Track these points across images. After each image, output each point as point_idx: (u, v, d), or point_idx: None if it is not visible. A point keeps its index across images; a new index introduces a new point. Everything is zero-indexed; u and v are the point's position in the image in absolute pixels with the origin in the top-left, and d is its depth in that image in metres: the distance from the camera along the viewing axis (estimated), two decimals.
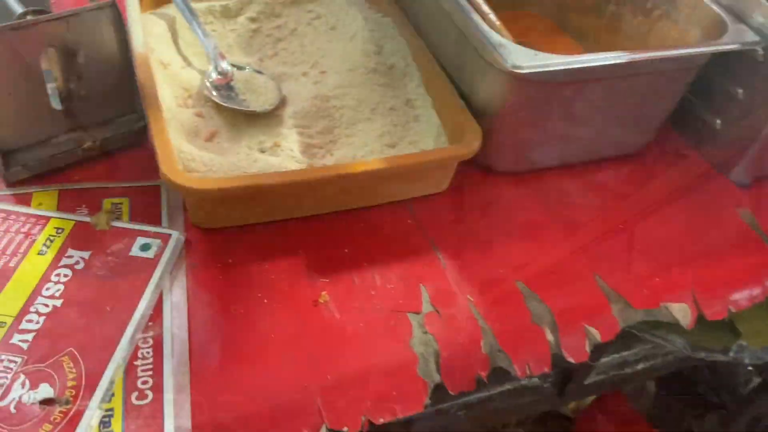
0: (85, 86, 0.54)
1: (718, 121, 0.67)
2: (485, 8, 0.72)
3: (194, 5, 0.71)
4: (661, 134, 0.69)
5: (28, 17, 0.50)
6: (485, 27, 0.55)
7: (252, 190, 0.50)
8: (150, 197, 0.56)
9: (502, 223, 0.61)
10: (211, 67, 0.65)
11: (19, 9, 0.51)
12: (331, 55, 0.70)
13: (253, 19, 0.72)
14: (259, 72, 0.67)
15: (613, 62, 0.54)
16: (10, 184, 0.54)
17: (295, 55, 0.71)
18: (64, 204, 0.54)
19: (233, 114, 0.62)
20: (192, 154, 0.55)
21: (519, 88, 0.55)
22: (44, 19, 0.49)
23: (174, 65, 0.65)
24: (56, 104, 0.53)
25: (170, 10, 0.70)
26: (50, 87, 0.52)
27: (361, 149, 0.61)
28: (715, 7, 0.63)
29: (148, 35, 0.65)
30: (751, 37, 0.59)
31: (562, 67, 0.52)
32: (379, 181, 0.56)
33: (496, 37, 0.54)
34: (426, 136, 0.62)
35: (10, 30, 0.47)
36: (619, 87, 0.59)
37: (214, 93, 0.63)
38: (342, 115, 0.64)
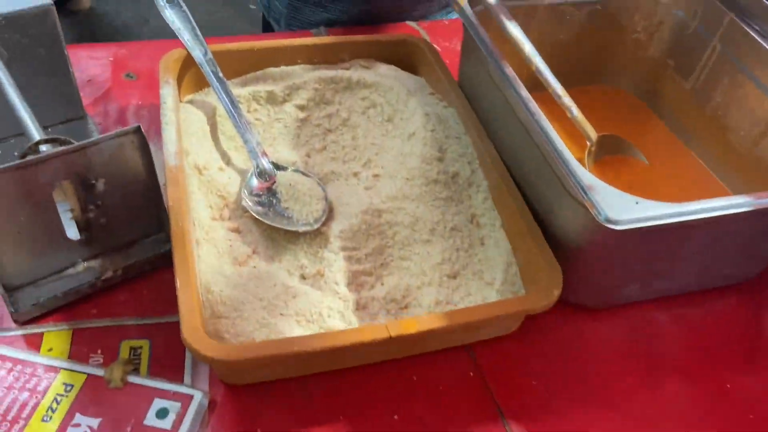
0: (106, 213, 0.48)
1: None
2: (567, 101, 0.62)
3: (237, 91, 0.64)
4: None
5: (43, 147, 0.44)
6: (570, 158, 0.46)
7: (284, 358, 0.43)
8: (174, 336, 0.49)
9: (581, 377, 0.51)
10: (251, 170, 0.58)
11: (36, 136, 0.45)
12: (387, 153, 0.62)
13: (301, 107, 0.65)
14: (304, 174, 0.59)
15: (735, 212, 0.43)
16: (20, 324, 0.48)
17: (346, 150, 0.63)
18: (78, 348, 0.47)
19: (274, 228, 0.55)
20: (222, 296, 0.48)
21: (611, 236, 0.46)
22: (59, 153, 0.42)
23: (211, 167, 0.58)
24: (73, 235, 0.47)
25: (212, 96, 0.63)
26: (65, 219, 0.45)
27: (417, 278, 0.53)
28: None
29: (184, 133, 0.58)
30: None
31: (669, 221, 0.42)
32: (435, 336, 0.48)
33: (584, 175, 0.44)
34: (493, 265, 0.53)
35: (16, 170, 0.41)
36: (733, 227, 0.48)
37: (253, 206, 0.55)
38: (396, 234, 0.55)
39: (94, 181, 0.45)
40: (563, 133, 0.68)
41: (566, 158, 0.45)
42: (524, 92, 0.51)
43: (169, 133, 0.55)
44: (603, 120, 0.71)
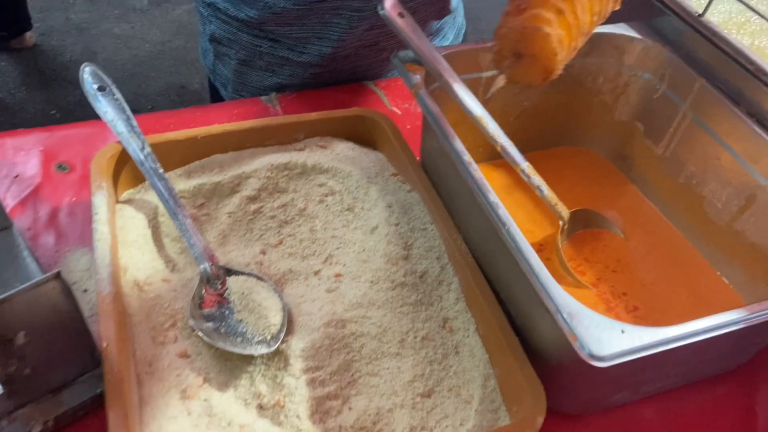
0: (29, 363, 0.42)
1: None
2: (536, 180, 0.58)
3: (181, 185, 0.59)
4: None
5: None
6: (550, 280, 0.42)
7: None
8: None
9: None
10: (197, 280, 0.52)
11: None
12: (348, 248, 0.57)
13: (253, 198, 0.59)
14: (259, 278, 0.54)
15: (725, 331, 0.40)
16: None
17: (304, 244, 0.58)
18: None
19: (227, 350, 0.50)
20: None
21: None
22: None
23: (154, 281, 0.52)
24: None
25: (152, 193, 0.58)
26: None
27: (388, 399, 0.48)
28: None
29: (122, 244, 0.53)
30: None
31: (657, 350, 0.38)
32: None
33: (566, 301, 0.40)
34: (470, 379, 0.49)
35: None
36: (724, 337, 0.45)
37: (202, 324, 0.50)
38: (362, 346, 0.50)
39: (11, 338, 0.39)
40: (535, 206, 0.65)
41: (545, 281, 0.41)
42: (492, 196, 0.47)
43: (101, 252, 0.49)
44: (575, 184, 0.68)
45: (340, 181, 0.60)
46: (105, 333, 0.44)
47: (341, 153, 0.62)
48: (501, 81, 0.58)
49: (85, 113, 0.61)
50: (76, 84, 2.18)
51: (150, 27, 2.58)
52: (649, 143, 0.66)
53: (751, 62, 0.56)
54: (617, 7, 0.55)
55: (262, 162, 0.61)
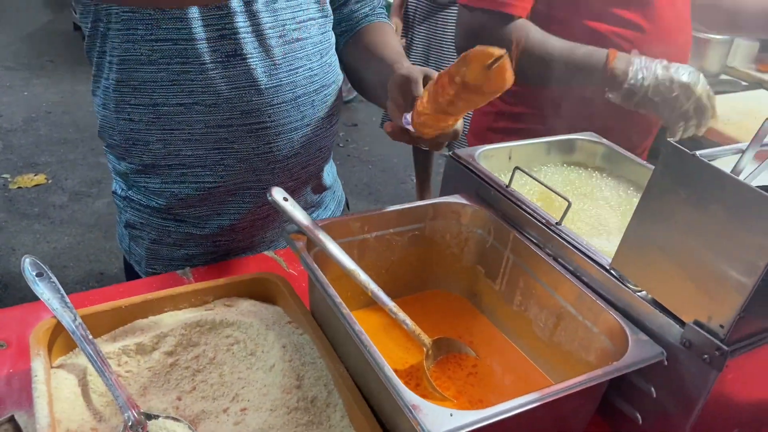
0: None
1: (638, 416, 0.68)
2: (401, 315, 0.74)
3: (107, 348, 0.70)
4: (591, 426, 0.70)
5: None
6: (398, 383, 0.56)
7: None
8: None
9: None
10: (122, 427, 0.62)
11: None
12: (252, 386, 0.69)
13: (170, 353, 0.71)
14: (175, 419, 0.64)
15: (526, 409, 0.55)
16: None
17: (214, 387, 0.69)
18: None
19: None
20: None
21: None
22: None
23: (84, 430, 0.61)
24: None
25: (82, 357, 0.69)
26: None
27: None
28: (613, 315, 0.67)
29: (56, 400, 0.62)
30: (651, 350, 0.62)
31: (478, 426, 0.53)
32: None
33: (410, 396, 0.54)
34: None
35: None
36: (540, 413, 0.60)
37: None
38: None
39: None
40: (407, 340, 0.80)
41: (395, 384, 0.55)
42: (357, 327, 0.62)
43: (40, 407, 0.59)
44: (439, 319, 0.84)
45: (244, 331, 0.74)
46: None
47: (245, 309, 0.77)
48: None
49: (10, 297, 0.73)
50: None
51: (69, 221, 2.71)
52: (489, 282, 0.85)
53: (543, 217, 0.78)
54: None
55: (178, 322, 0.74)
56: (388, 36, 0.99)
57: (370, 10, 1.04)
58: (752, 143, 0.62)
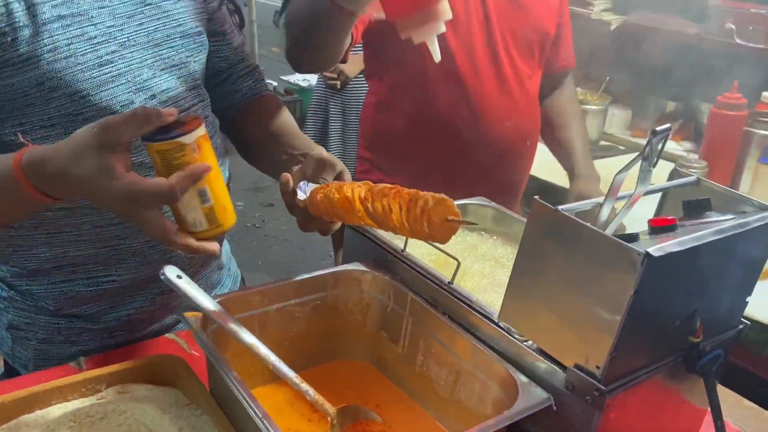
0: None
1: None
2: (303, 386, 0.74)
3: None
4: None
5: None
6: None
7: None
8: None
9: None
10: None
11: None
12: None
13: None
14: None
15: None
16: None
17: None
18: None
19: None
20: None
21: None
22: None
23: None
24: None
25: None
26: None
27: None
28: (504, 366, 0.70)
29: None
30: (538, 396, 0.65)
31: None
32: None
33: None
34: None
35: None
36: None
37: None
38: None
39: None
40: (313, 412, 0.79)
41: None
42: (255, 403, 0.62)
43: None
44: (345, 389, 0.85)
45: (137, 418, 0.71)
46: None
47: (139, 394, 0.74)
48: None
49: None
50: None
51: None
52: (392, 345, 0.86)
53: (436, 277, 0.81)
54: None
55: (67, 414, 0.70)
56: (283, 113, 1.02)
57: (253, 82, 1.04)
58: (608, 197, 0.68)
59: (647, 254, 0.57)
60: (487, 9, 1.24)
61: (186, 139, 0.67)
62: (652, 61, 1.95)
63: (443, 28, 0.66)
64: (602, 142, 2.00)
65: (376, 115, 1.36)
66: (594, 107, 1.94)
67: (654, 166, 0.65)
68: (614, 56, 1.97)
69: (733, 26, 1.73)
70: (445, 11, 0.64)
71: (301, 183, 0.81)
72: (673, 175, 0.84)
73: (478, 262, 0.97)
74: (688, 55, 1.86)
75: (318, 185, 0.79)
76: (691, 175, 0.81)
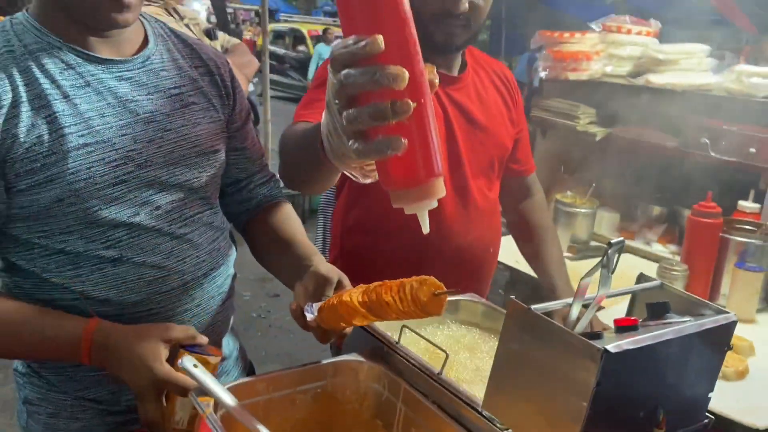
0: None
1: None
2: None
3: None
4: None
5: None
6: None
7: None
8: None
9: None
10: None
11: None
12: None
13: None
14: None
15: None
16: None
17: None
18: None
19: None
20: None
21: None
22: None
23: None
24: None
25: None
26: None
27: None
28: None
29: None
30: None
31: None
32: None
33: None
34: None
35: None
36: None
37: None
38: None
39: None
40: None
41: None
42: None
43: None
44: None
45: None
46: None
47: None
48: None
49: None
50: None
51: None
52: None
53: (427, 368, 0.89)
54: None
55: None
56: (293, 221, 1.10)
57: (269, 190, 1.12)
58: (576, 297, 0.78)
59: (605, 350, 0.66)
60: (453, 131, 1.27)
61: (212, 360, 0.86)
62: (636, 169, 2.10)
63: (435, 204, 0.63)
64: (592, 243, 2.11)
65: (346, 218, 1.36)
66: (584, 210, 2.07)
67: (612, 272, 0.75)
68: (600, 164, 2.12)
69: (707, 141, 1.88)
70: (440, 189, 0.62)
71: (307, 306, 0.88)
72: (640, 279, 0.93)
73: (468, 355, 1.05)
74: (669, 165, 2.00)
75: (322, 302, 0.87)
76: (657, 280, 0.90)
